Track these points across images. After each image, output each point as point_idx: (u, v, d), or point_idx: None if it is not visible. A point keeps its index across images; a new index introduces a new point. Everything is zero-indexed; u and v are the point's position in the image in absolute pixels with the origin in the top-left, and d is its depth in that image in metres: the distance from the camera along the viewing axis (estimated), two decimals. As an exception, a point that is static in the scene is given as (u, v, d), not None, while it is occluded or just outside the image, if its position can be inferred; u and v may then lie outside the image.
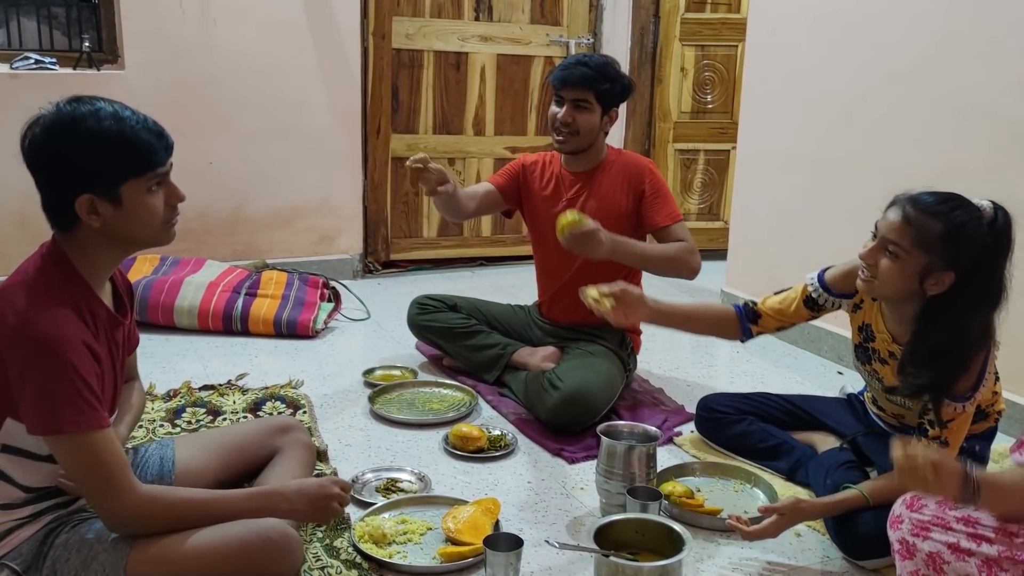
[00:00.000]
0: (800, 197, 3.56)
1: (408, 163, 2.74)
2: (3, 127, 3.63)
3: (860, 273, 1.99)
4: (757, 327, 2.30)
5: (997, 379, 2.15)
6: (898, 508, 1.79)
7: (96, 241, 1.65)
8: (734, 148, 4.15)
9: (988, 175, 2.69)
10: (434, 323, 3.14)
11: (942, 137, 2.89)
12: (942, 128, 2.88)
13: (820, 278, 2.22)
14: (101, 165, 1.59)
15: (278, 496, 1.79)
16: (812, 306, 2.24)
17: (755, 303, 2.32)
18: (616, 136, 4.87)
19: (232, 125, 4.10)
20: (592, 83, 2.76)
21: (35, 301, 1.57)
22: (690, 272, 2.75)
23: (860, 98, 3.23)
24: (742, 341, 2.35)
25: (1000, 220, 1.86)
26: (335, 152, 4.35)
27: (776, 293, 2.32)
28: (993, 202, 1.88)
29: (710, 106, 4.92)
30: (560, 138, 2.83)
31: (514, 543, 1.85)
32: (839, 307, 2.23)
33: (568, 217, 2.51)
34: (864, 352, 2.18)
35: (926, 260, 1.86)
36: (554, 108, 2.84)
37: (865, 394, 2.39)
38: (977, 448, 2.15)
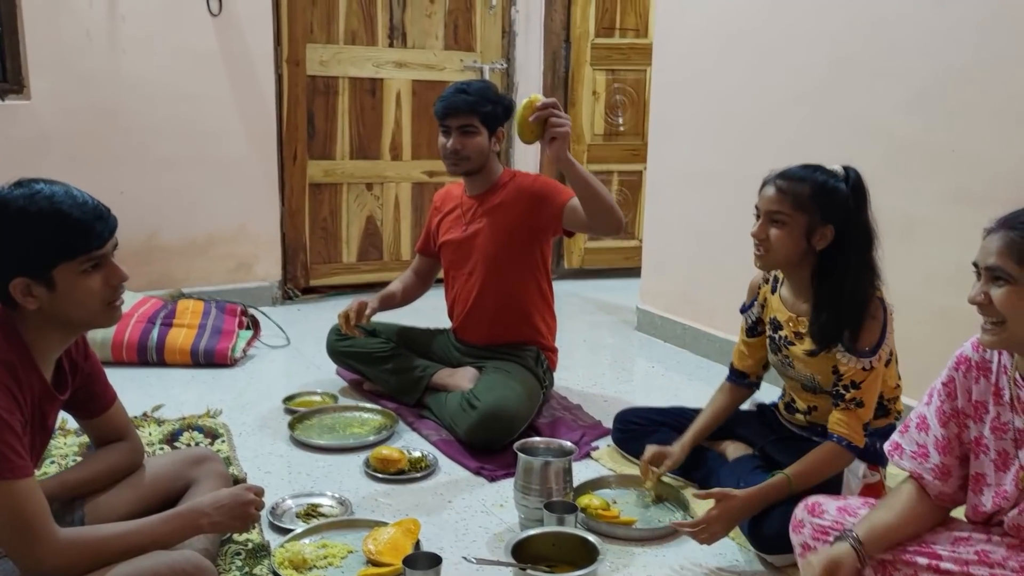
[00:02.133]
0: (710, 214, 3.69)
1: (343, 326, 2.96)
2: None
3: (755, 252, 2.16)
4: (750, 378, 2.49)
5: (899, 376, 2.29)
6: (800, 513, 1.88)
7: (37, 322, 1.67)
8: (646, 168, 4.27)
9: (883, 187, 2.83)
10: (353, 348, 3.15)
11: (843, 153, 3.01)
12: (843, 145, 3.02)
13: (741, 309, 2.45)
14: (30, 249, 1.61)
15: (195, 512, 1.78)
16: (752, 332, 2.43)
17: (732, 365, 2.51)
18: (532, 159, 4.97)
19: (144, 154, 4.05)
20: (475, 107, 2.85)
21: None
22: (618, 223, 2.68)
23: (766, 118, 3.37)
24: (755, 391, 2.53)
25: (853, 176, 2.12)
26: (251, 179, 4.34)
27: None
28: (844, 165, 2.14)
29: (622, 128, 5.06)
30: (453, 165, 2.94)
31: (433, 561, 1.88)
32: (760, 316, 2.39)
33: (525, 103, 2.46)
34: (775, 344, 2.32)
35: (806, 219, 2.09)
36: (442, 139, 2.93)
37: (779, 403, 2.49)
38: (878, 445, 2.25)
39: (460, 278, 3.06)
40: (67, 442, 2.68)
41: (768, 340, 2.36)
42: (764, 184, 2.16)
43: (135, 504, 2.01)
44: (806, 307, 2.21)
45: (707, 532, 2.06)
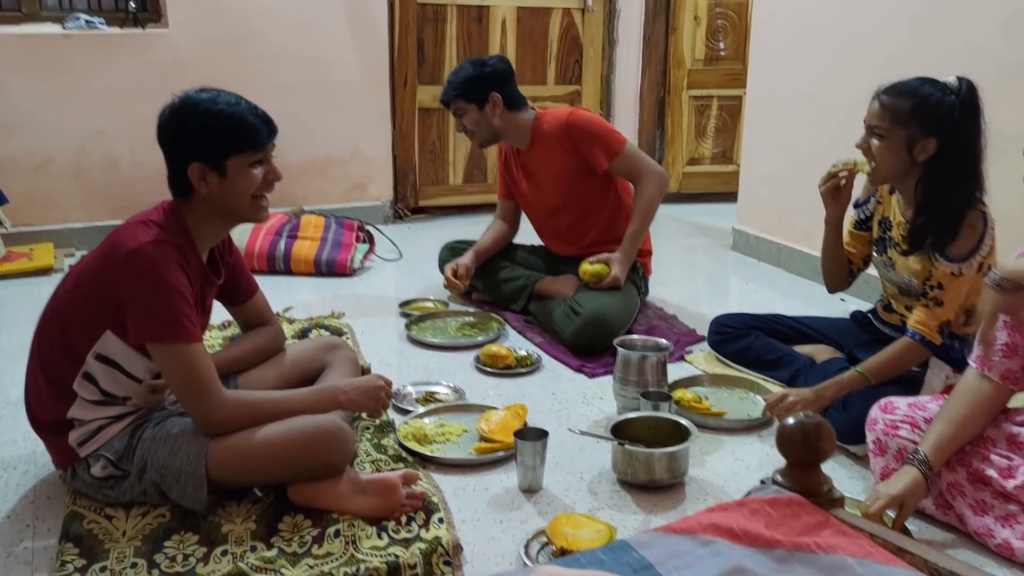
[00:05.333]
0: (806, 137, 3.75)
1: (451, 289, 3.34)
2: (56, 83, 3.94)
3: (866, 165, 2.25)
4: (852, 266, 2.57)
5: None
6: (874, 412, 2.04)
7: (200, 209, 1.96)
8: (746, 93, 4.33)
9: (987, 109, 2.87)
10: (464, 261, 3.40)
11: (941, 74, 3.07)
12: (940, 67, 3.00)
13: (855, 203, 2.51)
14: (212, 141, 1.92)
15: (335, 390, 2.07)
16: (861, 225, 2.52)
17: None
18: (632, 85, 5.08)
19: (266, 79, 4.32)
20: (453, 91, 3.15)
21: (147, 237, 1.88)
22: (664, 189, 3.15)
23: (865, 40, 3.41)
24: (852, 282, 2.61)
25: (965, 88, 2.15)
26: (365, 104, 4.59)
27: None
28: (958, 76, 2.17)
29: (723, 53, 5.10)
30: (474, 142, 3.27)
31: (541, 434, 2.11)
32: (873, 211, 2.47)
33: (588, 271, 3.03)
34: (881, 243, 2.42)
35: (905, 133, 2.16)
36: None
37: (876, 305, 2.60)
38: (965, 351, 2.36)
39: (539, 216, 3.37)
40: (211, 335, 3.00)
41: (875, 240, 2.45)
42: (872, 98, 2.22)
43: (278, 381, 2.30)
44: (911, 213, 2.30)
45: (784, 406, 2.25)
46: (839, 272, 2.56)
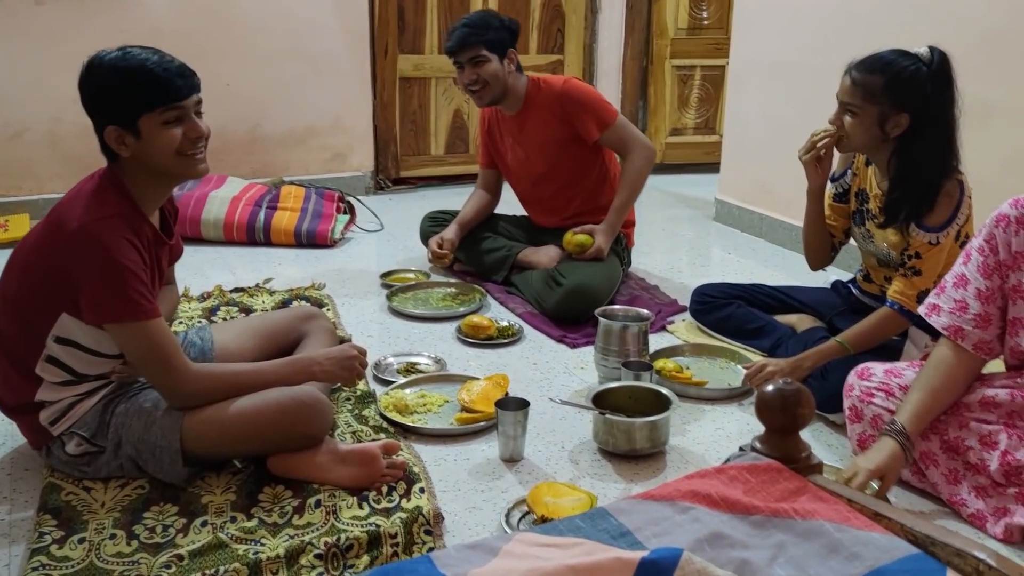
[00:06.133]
0: (788, 106, 3.74)
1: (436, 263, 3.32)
2: (31, 51, 3.88)
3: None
4: (834, 240, 2.56)
5: None
6: (851, 378, 2.05)
7: (134, 171, 1.89)
8: (728, 63, 4.31)
9: (964, 75, 2.87)
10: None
11: (925, 41, 3.06)
12: (925, 33, 2.99)
13: (831, 177, 2.50)
14: (119, 99, 1.82)
15: (308, 361, 2.05)
16: (839, 198, 2.52)
17: None
18: (615, 54, 5.04)
19: (246, 48, 4.28)
20: (477, 37, 3.01)
21: (92, 211, 1.82)
22: (651, 163, 3.15)
23: (847, 7, 3.39)
24: (833, 256, 2.60)
25: (936, 59, 2.14)
26: (345, 73, 4.54)
27: None
28: (930, 47, 2.16)
29: (706, 22, 5.07)
30: (478, 96, 3.11)
31: (522, 404, 2.11)
32: (850, 184, 2.48)
33: (572, 241, 3.03)
34: (859, 216, 2.43)
35: (878, 109, 2.16)
36: (458, 76, 3.12)
37: (856, 275, 2.61)
38: None
39: (524, 185, 3.33)
40: (191, 307, 2.98)
41: (853, 212, 2.46)
42: (844, 74, 2.22)
43: (256, 352, 2.28)
44: (886, 185, 2.31)
45: (763, 376, 2.26)
46: (822, 248, 2.57)
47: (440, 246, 3.25)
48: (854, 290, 2.59)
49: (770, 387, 1.24)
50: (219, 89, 4.19)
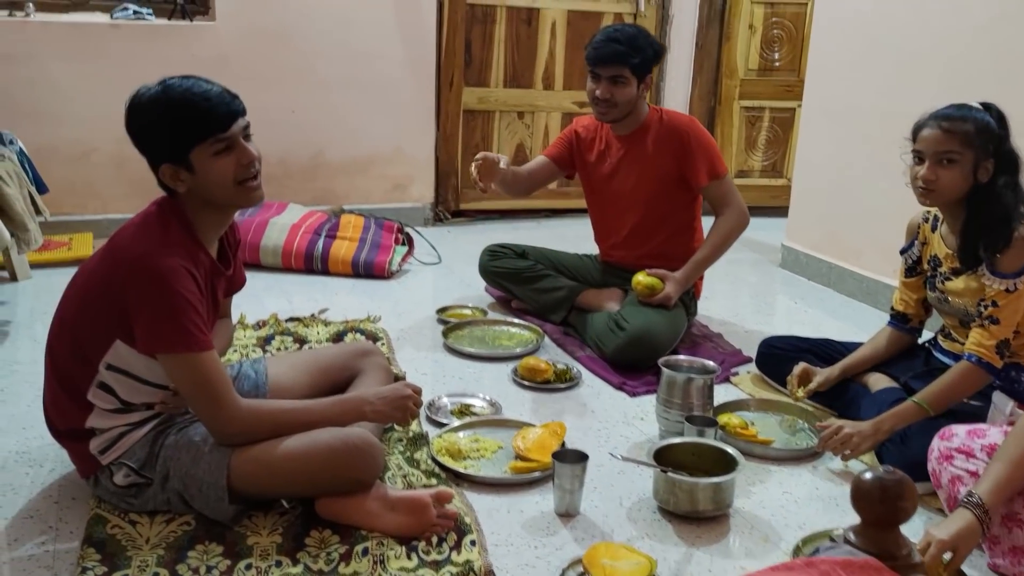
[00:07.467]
0: (862, 154, 3.62)
1: (475, 168, 3.00)
2: (102, 74, 3.93)
3: (919, 190, 2.18)
4: (912, 322, 2.50)
5: None
6: (933, 441, 1.93)
7: (193, 202, 1.86)
8: (799, 106, 4.21)
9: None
10: (504, 268, 3.31)
11: (1012, 93, 2.94)
12: (1012, 85, 2.92)
13: (901, 250, 2.46)
14: (167, 137, 1.79)
15: (359, 401, 1.98)
16: (911, 271, 2.45)
17: (893, 310, 2.53)
18: (682, 93, 4.96)
19: (311, 75, 4.29)
20: (625, 58, 2.88)
21: (151, 240, 1.80)
22: (742, 230, 3.07)
23: (925, 55, 3.28)
24: (918, 339, 2.54)
25: (995, 109, 2.18)
26: (409, 103, 4.53)
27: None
28: (980, 102, 2.19)
29: (777, 64, 4.97)
30: (600, 111, 2.99)
31: (580, 457, 2.02)
32: (920, 255, 2.42)
33: (642, 282, 2.90)
34: (933, 280, 2.36)
35: (973, 155, 2.14)
36: (591, 84, 2.98)
37: (937, 333, 2.49)
38: (1013, 374, 2.24)
39: (609, 210, 3.18)
40: (246, 335, 2.95)
41: (927, 279, 2.39)
42: (922, 127, 2.18)
43: (308, 389, 2.23)
44: (957, 239, 2.24)
45: (840, 439, 2.16)
46: (895, 351, 2.52)
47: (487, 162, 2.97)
48: (934, 351, 2.46)
49: (868, 474, 1.14)
50: (284, 115, 4.22)
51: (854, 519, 1.92)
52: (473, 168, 3.00)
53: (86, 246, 3.80)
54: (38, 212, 3.25)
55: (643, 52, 2.90)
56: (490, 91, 4.72)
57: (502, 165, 3.00)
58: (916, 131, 2.20)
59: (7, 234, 2.79)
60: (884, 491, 1.12)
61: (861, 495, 1.15)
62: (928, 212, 2.38)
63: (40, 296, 3.33)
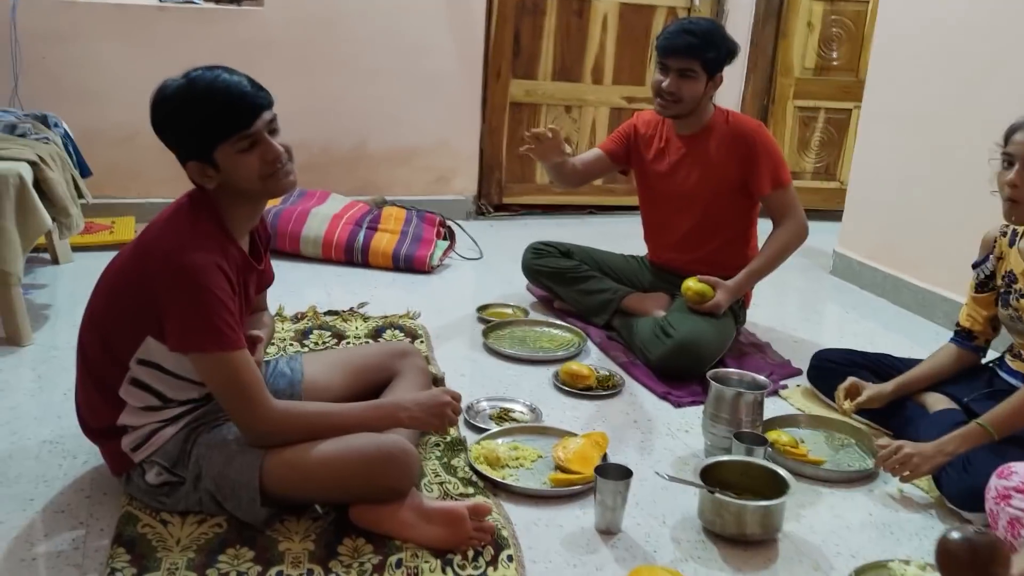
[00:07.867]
0: (923, 159, 3.48)
1: (537, 133, 2.85)
2: (150, 56, 3.89)
3: (1009, 201, 2.04)
4: (978, 340, 2.39)
5: None
6: (991, 479, 1.82)
7: (223, 195, 1.81)
8: (857, 107, 4.08)
9: None
10: (548, 267, 3.23)
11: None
12: None
13: (973, 264, 2.34)
14: (191, 136, 1.75)
15: (397, 407, 1.92)
16: (983, 287, 2.34)
17: (958, 326, 2.42)
18: (734, 91, 4.83)
19: (357, 63, 4.24)
20: (698, 52, 2.76)
21: (182, 235, 1.75)
22: (801, 243, 2.95)
23: (997, 60, 3.13)
24: (983, 358, 2.43)
25: None
26: (455, 94, 4.46)
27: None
28: None
29: (835, 63, 4.82)
30: (663, 104, 2.85)
31: (624, 473, 1.94)
32: (994, 269, 2.31)
33: (692, 288, 2.81)
34: (1006, 297, 2.23)
35: None
36: (658, 76, 2.85)
37: (1004, 353, 2.38)
38: None
39: (663, 211, 3.07)
40: (284, 327, 2.91)
41: (999, 296, 2.27)
42: (1016, 129, 2.04)
43: (344, 391, 2.17)
44: None
45: (899, 459, 2.07)
46: (957, 369, 2.40)
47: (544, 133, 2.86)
48: (1000, 371, 2.34)
49: (955, 534, 1.05)
50: (328, 104, 4.17)
51: (909, 549, 1.83)
52: (532, 135, 2.86)
53: (128, 230, 3.79)
54: (80, 196, 3.23)
55: (717, 48, 2.78)
56: (538, 84, 4.63)
57: (567, 150, 2.90)
58: (1009, 133, 2.06)
59: (48, 219, 2.76)
60: (975, 554, 1.03)
61: (949, 558, 1.05)
62: (1007, 226, 2.25)
63: (81, 280, 3.31)
